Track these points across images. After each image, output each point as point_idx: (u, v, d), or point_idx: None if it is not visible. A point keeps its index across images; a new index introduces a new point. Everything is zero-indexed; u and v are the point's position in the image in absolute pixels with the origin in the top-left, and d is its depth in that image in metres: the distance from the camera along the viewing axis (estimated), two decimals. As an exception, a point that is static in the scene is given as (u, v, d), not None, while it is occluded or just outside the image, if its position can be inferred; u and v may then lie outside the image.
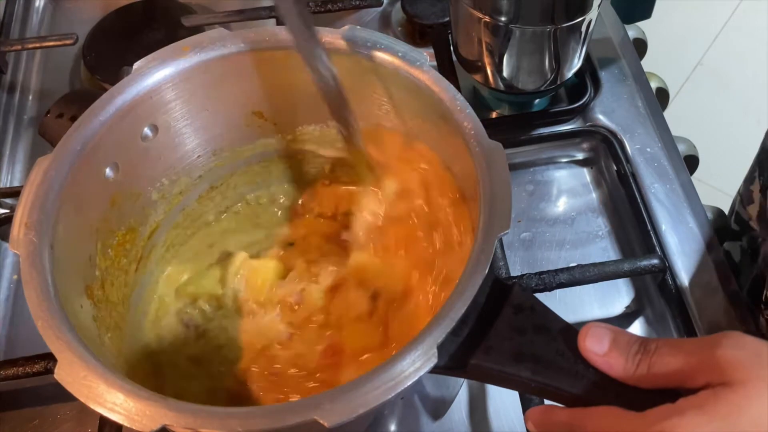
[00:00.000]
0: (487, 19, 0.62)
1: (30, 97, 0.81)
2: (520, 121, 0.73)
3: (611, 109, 0.73)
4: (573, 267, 0.59)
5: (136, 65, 0.52)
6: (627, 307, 0.64)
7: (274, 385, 0.53)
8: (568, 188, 0.71)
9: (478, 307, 0.44)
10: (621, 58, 0.77)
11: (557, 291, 0.59)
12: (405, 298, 0.54)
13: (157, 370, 0.54)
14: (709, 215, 0.67)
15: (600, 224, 0.68)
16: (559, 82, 0.69)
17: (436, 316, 0.41)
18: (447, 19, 0.76)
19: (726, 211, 0.74)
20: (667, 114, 0.75)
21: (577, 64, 0.69)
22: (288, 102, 0.58)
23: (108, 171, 0.52)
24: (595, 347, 0.41)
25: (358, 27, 0.53)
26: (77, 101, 0.65)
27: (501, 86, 0.70)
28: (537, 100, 0.74)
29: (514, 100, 0.74)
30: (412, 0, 0.79)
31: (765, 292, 0.60)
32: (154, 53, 0.53)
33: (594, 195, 0.70)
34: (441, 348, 0.40)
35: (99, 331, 0.49)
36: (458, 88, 0.65)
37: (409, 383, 0.39)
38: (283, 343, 0.55)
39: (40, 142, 0.70)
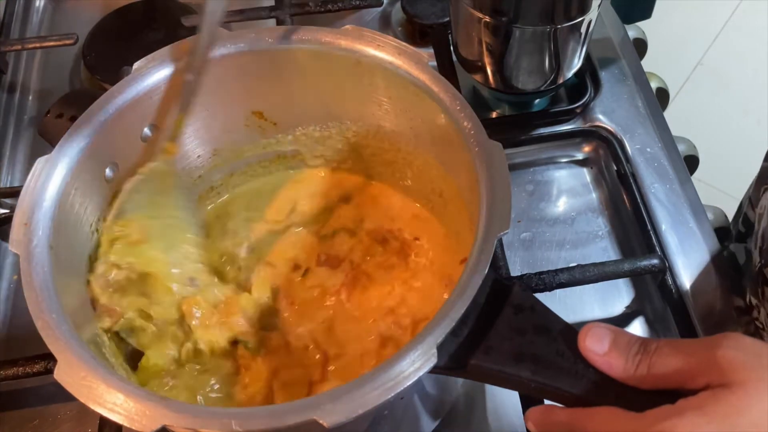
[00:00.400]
0: (487, 19, 0.62)
1: (30, 97, 0.81)
2: (520, 121, 0.73)
3: (611, 109, 0.73)
4: (573, 267, 0.59)
5: (136, 65, 0.52)
6: (627, 307, 0.64)
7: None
8: (568, 188, 0.71)
9: (478, 307, 0.44)
10: (621, 58, 0.77)
11: (557, 291, 0.59)
12: None
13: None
14: (709, 215, 0.67)
15: (600, 224, 0.68)
16: (559, 82, 0.69)
17: (436, 316, 0.41)
18: (447, 19, 0.76)
19: (726, 210, 0.74)
20: (667, 114, 0.75)
21: (577, 64, 0.69)
22: (288, 102, 0.58)
23: (108, 171, 0.52)
24: (596, 347, 0.41)
25: (358, 27, 0.53)
26: (77, 101, 0.65)
27: (501, 86, 0.70)
28: (537, 100, 0.74)
29: (514, 100, 0.74)
30: (412, 0, 0.79)
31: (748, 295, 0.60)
32: (154, 53, 0.53)
33: (594, 195, 0.70)
34: (441, 348, 0.40)
35: (99, 331, 0.49)
36: (458, 88, 0.65)
37: (408, 383, 0.39)
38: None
39: (40, 142, 0.70)
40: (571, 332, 0.42)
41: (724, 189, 1.33)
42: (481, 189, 0.46)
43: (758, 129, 1.68)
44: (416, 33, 0.81)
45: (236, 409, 0.40)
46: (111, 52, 0.80)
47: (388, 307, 0.55)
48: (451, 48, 0.73)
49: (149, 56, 0.53)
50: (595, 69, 0.75)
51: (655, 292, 0.63)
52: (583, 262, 0.60)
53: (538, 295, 0.46)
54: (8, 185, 0.73)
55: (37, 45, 0.79)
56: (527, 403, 0.53)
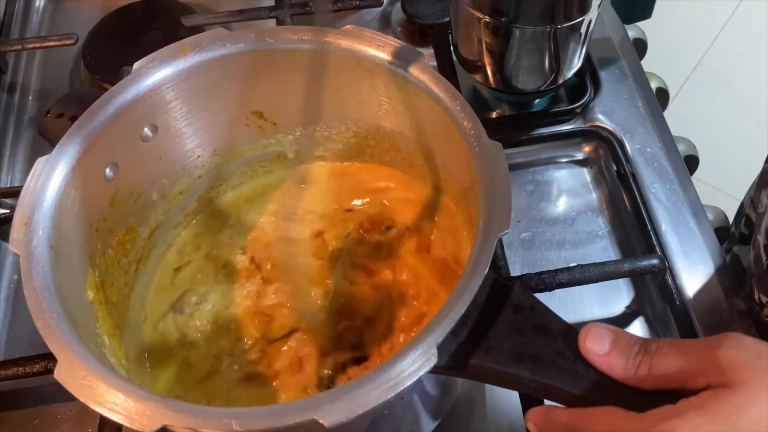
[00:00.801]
0: (487, 19, 0.62)
1: (30, 97, 0.81)
2: (520, 121, 0.73)
3: (611, 109, 0.73)
4: (573, 267, 0.59)
5: (136, 65, 0.52)
6: (627, 307, 0.64)
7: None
8: (568, 188, 0.71)
9: (478, 307, 0.44)
10: (621, 58, 0.77)
11: (557, 291, 0.58)
12: None
13: (156, 370, 0.54)
14: (709, 215, 0.67)
15: (600, 224, 0.68)
16: (559, 82, 0.69)
17: (436, 316, 0.41)
18: (447, 19, 0.76)
19: (726, 210, 0.74)
20: (667, 114, 0.75)
21: (577, 64, 0.69)
22: (288, 102, 0.58)
23: (108, 171, 0.52)
24: (596, 347, 0.41)
25: (358, 27, 0.53)
26: (77, 101, 0.65)
27: (501, 86, 0.69)
28: (537, 100, 0.74)
29: (514, 100, 0.74)
30: (412, 0, 0.79)
31: (757, 294, 0.59)
32: (154, 53, 0.53)
33: (594, 195, 0.70)
34: (441, 348, 0.40)
35: (99, 331, 0.49)
36: (458, 88, 0.65)
37: (409, 383, 0.39)
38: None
39: (40, 142, 0.70)
40: (571, 332, 0.42)
41: (724, 189, 1.33)
42: (481, 189, 0.46)
43: (758, 129, 1.68)
44: (416, 33, 0.81)
45: (236, 409, 0.40)
46: (111, 52, 0.80)
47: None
48: (451, 48, 0.73)
49: (149, 56, 0.53)
50: (595, 69, 0.75)
51: (655, 292, 0.63)
52: (583, 262, 0.60)
53: (538, 295, 0.46)
54: (8, 185, 0.73)
55: (37, 45, 0.79)
56: (527, 403, 0.53)
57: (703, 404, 0.36)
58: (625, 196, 0.67)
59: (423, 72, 0.51)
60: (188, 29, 0.77)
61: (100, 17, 0.83)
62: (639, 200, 0.65)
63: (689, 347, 0.39)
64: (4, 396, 0.59)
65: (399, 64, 0.52)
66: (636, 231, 0.65)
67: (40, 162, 0.48)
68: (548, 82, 0.68)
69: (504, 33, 0.63)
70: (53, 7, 0.89)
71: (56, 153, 0.48)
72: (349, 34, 0.53)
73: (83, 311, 0.48)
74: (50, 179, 0.47)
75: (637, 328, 0.62)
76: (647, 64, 0.79)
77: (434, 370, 0.40)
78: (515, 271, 0.63)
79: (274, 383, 0.53)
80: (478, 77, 0.70)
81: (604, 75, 0.75)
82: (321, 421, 0.37)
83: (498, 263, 0.60)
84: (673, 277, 0.61)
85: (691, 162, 0.75)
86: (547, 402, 0.43)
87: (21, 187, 0.47)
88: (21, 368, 0.56)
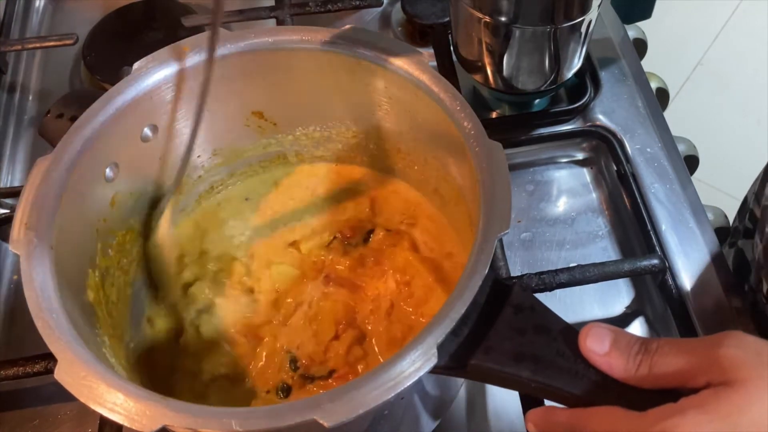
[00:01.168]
0: (487, 19, 0.62)
1: (30, 97, 0.81)
2: (520, 121, 0.73)
3: (611, 109, 0.73)
4: (573, 267, 0.59)
5: (136, 65, 0.52)
6: (627, 307, 0.64)
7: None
8: (568, 188, 0.71)
9: (478, 307, 0.44)
10: (621, 58, 0.77)
11: (557, 291, 0.59)
12: None
13: (156, 370, 0.54)
14: (709, 215, 0.67)
15: (600, 224, 0.68)
16: (559, 82, 0.69)
17: (436, 316, 0.41)
18: (447, 19, 0.76)
19: (726, 210, 0.74)
20: (667, 114, 0.75)
21: (577, 64, 0.69)
22: (288, 102, 0.58)
23: (108, 171, 0.52)
24: (596, 347, 0.41)
25: (358, 27, 0.53)
26: (77, 101, 0.65)
27: (501, 86, 0.69)
28: (537, 100, 0.74)
29: (514, 100, 0.74)
30: (412, 0, 0.79)
31: (765, 285, 0.59)
32: (154, 53, 0.53)
33: (594, 195, 0.70)
34: (441, 348, 0.40)
35: (99, 331, 0.49)
36: (458, 88, 0.65)
37: (409, 383, 0.39)
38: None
39: (40, 142, 0.70)
40: (571, 332, 0.42)
41: (724, 189, 1.33)
42: (481, 189, 0.46)
43: (758, 129, 1.68)
44: (416, 33, 0.81)
45: (236, 408, 0.40)
46: (111, 52, 0.80)
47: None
48: (451, 48, 0.73)
49: (149, 56, 0.53)
50: (595, 69, 0.75)
51: (655, 292, 0.63)
52: (583, 262, 0.60)
53: (538, 295, 0.46)
54: (8, 185, 0.73)
55: (37, 45, 0.79)
56: (527, 403, 0.53)
57: (703, 402, 0.36)
58: (625, 196, 0.67)
59: (423, 72, 0.51)
60: (188, 29, 0.77)
61: (100, 17, 0.83)
62: (639, 200, 0.65)
63: (690, 346, 0.39)
64: (4, 396, 0.59)
65: (399, 64, 0.52)
66: (636, 231, 0.66)
67: (40, 162, 0.48)
68: (548, 82, 0.68)
69: (504, 33, 0.63)
70: (53, 7, 0.89)
71: (56, 153, 0.48)
72: (349, 34, 0.53)
73: (83, 311, 0.48)
74: (50, 179, 0.47)
75: (637, 328, 0.62)
76: (647, 64, 0.79)
77: (434, 370, 0.40)
78: (515, 271, 0.63)
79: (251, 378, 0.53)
80: (478, 77, 0.70)
81: (604, 75, 0.75)
82: (321, 421, 0.37)
83: (498, 263, 0.60)
84: (673, 277, 0.61)
85: (691, 162, 0.75)
86: (547, 402, 0.43)
87: (21, 187, 0.47)
88: (21, 368, 0.56)
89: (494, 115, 0.75)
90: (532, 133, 0.72)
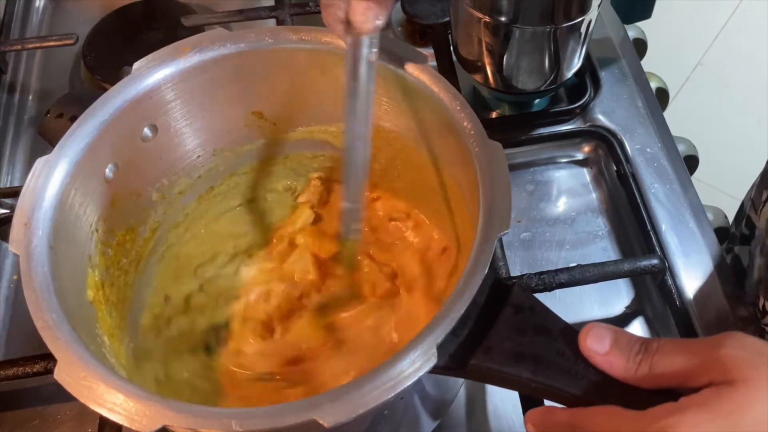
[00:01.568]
0: (487, 19, 0.62)
1: (30, 97, 0.81)
2: (520, 121, 0.73)
3: (611, 109, 0.73)
4: (573, 267, 0.59)
5: (136, 65, 0.52)
6: (627, 307, 0.64)
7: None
8: (568, 188, 0.71)
9: (478, 307, 0.44)
10: (621, 58, 0.77)
11: (557, 291, 0.58)
12: None
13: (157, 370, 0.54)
14: (709, 215, 0.67)
15: (600, 224, 0.68)
16: (559, 82, 0.69)
17: (436, 316, 0.41)
18: (447, 19, 0.76)
19: (726, 210, 0.74)
20: (667, 114, 0.75)
21: (577, 64, 0.69)
22: (288, 102, 0.58)
23: (108, 171, 0.52)
24: (596, 346, 0.41)
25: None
26: (77, 101, 0.65)
27: (501, 86, 0.69)
28: (537, 100, 0.74)
29: (514, 100, 0.74)
30: (412, 0, 0.79)
31: (763, 301, 0.59)
32: (154, 53, 0.53)
33: (594, 195, 0.70)
34: (441, 348, 0.40)
35: (99, 331, 0.49)
36: (458, 88, 0.65)
37: (408, 383, 0.39)
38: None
39: (40, 142, 0.70)
40: (571, 332, 0.42)
41: (724, 189, 1.33)
42: (480, 189, 0.46)
43: (758, 129, 1.68)
44: (416, 33, 0.81)
45: (236, 409, 0.40)
46: (111, 52, 0.80)
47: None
48: (451, 48, 0.73)
49: (149, 56, 0.53)
50: (595, 69, 0.75)
51: (655, 292, 0.63)
52: (583, 262, 0.60)
53: (538, 295, 0.46)
54: (8, 185, 0.73)
55: (37, 45, 0.79)
56: (527, 403, 0.53)
57: (704, 401, 0.36)
58: (625, 196, 0.67)
59: (423, 72, 0.51)
60: (188, 29, 0.77)
61: (100, 17, 0.83)
62: (639, 200, 0.65)
63: (690, 346, 0.39)
64: (4, 396, 0.59)
65: (399, 64, 0.52)
66: (636, 231, 0.66)
67: (40, 162, 0.48)
68: (548, 82, 0.68)
69: (504, 33, 0.63)
70: (53, 7, 0.89)
71: (56, 153, 0.48)
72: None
73: (83, 311, 0.48)
74: (50, 179, 0.47)
75: (637, 328, 0.62)
76: (647, 64, 0.79)
77: (434, 370, 0.40)
78: (515, 271, 0.63)
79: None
80: (478, 77, 0.70)
81: (604, 75, 0.75)
82: (321, 422, 0.37)
83: (498, 263, 0.60)
84: (673, 277, 0.61)
85: (691, 162, 0.75)
86: (547, 402, 0.43)
87: (21, 187, 0.47)
88: (21, 368, 0.56)
89: (494, 115, 0.75)
90: (532, 133, 0.72)
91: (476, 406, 0.58)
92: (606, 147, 0.71)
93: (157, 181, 0.56)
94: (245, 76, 0.55)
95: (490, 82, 0.70)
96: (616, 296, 0.64)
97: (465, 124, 0.49)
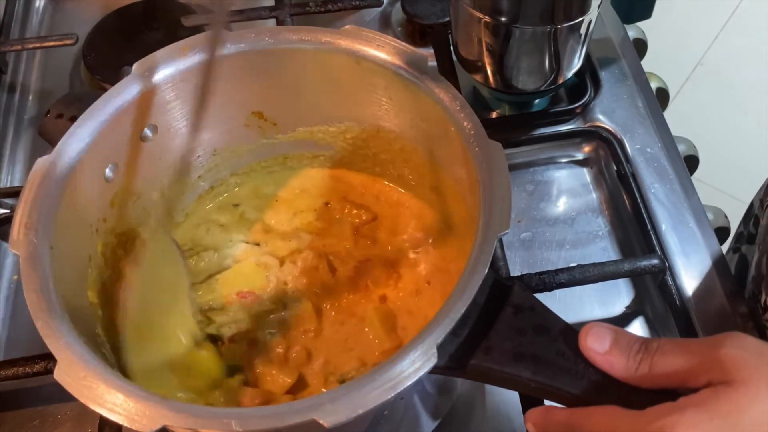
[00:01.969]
0: (487, 19, 0.62)
1: (30, 97, 0.81)
2: (520, 121, 0.73)
3: (611, 109, 0.73)
4: (573, 267, 0.59)
5: (136, 65, 0.52)
6: (627, 307, 0.64)
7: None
8: (568, 188, 0.71)
9: (478, 307, 0.44)
10: (621, 58, 0.77)
11: (557, 291, 0.58)
12: None
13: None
14: (709, 215, 0.67)
15: (600, 224, 0.68)
16: (559, 82, 0.69)
17: (436, 316, 0.41)
18: (447, 19, 0.76)
19: (726, 210, 0.74)
20: (667, 114, 0.75)
21: (577, 64, 0.69)
22: (288, 102, 0.58)
23: (108, 171, 0.52)
24: (597, 346, 0.41)
25: (358, 27, 0.53)
26: (77, 101, 0.65)
27: (501, 86, 0.69)
28: (537, 100, 0.74)
29: (514, 100, 0.74)
30: (412, 0, 0.79)
31: (764, 297, 0.59)
32: (154, 53, 0.53)
33: (594, 195, 0.70)
34: (441, 348, 0.40)
35: (99, 331, 0.49)
36: (458, 88, 0.65)
37: (408, 383, 0.39)
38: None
39: (40, 142, 0.70)
40: (571, 332, 0.42)
41: (724, 189, 1.33)
42: (481, 189, 0.46)
43: (758, 129, 1.68)
44: (416, 33, 0.81)
45: (236, 409, 0.40)
46: (111, 52, 0.80)
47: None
48: (451, 48, 0.73)
49: (149, 56, 0.53)
50: (595, 69, 0.75)
51: (655, 292, 0.63)
52: (583, 262, 0.60)
53: (538, 295, 0.46)
54: (8, 185, 0.73)
55: (37, 45, 0.79)
56: (527, 403, 0.53)
57: (703, 401, 0.36)
58: (625, 196, 0.67)
59: (423, 72, 0.51)
60: (188, 29, 0.77)
61: (100, 17, 0.83)
62: (639, 200, 0.65)
63: (690, 346, 0.39)
64: (4, 396, 0.59)
65: (399, 64, 0.52)
66: (636, 231, 0.65)
67: (40, 162, 0.48)
68: (548, 82, 0.68)
69: (504, 33, 0.63)
70: (53, 7, 0.89)
71: (56, 153, 0.48)
72: (349, 34, 0.53)
73: (83, 311, 0.48)
74: (50, 179, 0.47)
75: (637, 328, 0.62)
76: (647, 64, 0.79)
77: (434, 371, 0.40)
78: (515, 271, 0.63)
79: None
80: (478, 77, 0.70)
81: (604, 75, 0.75)
82: (321, 422, 0.37)
83: (498, 263, 0.60)
84: (673, 277, 0.61)
85: (691, 162, 0.75)
86: (547, 402, 0.43)
87: (21, 187, 0.47)
88: (21, 368, 0.56)
89: (494, 115, 0.75)
90: (532, 133, 0.72)
91: (476, 406, 0.58)
92: (606, 147, 0.71)
93: (157, 181, 0.56)
94: (245, 76, 0.55)
95: (490, 82, 0.70)
96: (616, 296, 0.64)
97: (465, 124, 0.49)
